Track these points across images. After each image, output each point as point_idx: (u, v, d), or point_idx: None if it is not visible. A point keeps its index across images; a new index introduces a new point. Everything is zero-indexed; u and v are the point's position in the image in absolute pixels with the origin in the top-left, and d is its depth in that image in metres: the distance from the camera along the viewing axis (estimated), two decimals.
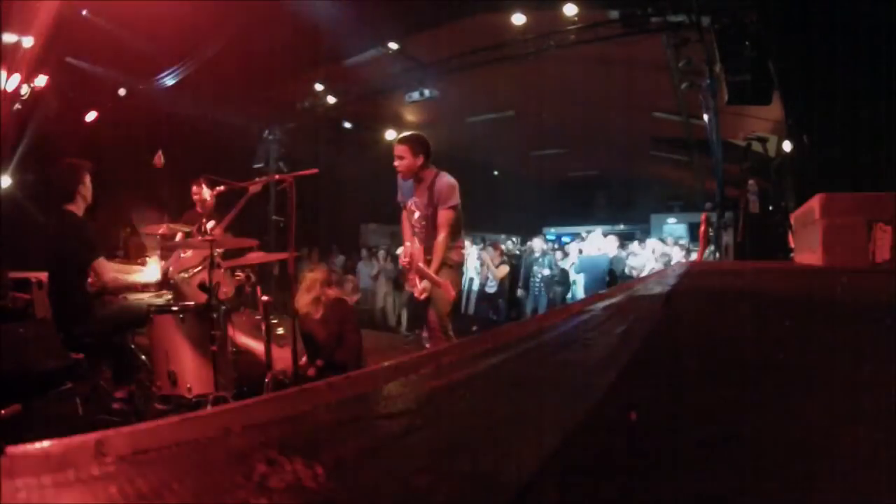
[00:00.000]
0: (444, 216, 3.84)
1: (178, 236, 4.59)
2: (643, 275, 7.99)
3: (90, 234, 3.65)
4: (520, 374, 0.97)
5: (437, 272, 3.82)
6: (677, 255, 9.14)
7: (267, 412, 0.77)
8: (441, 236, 3.85)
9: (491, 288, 8.92)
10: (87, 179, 3.76)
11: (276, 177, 3.86)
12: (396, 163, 3.90)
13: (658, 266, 8.60)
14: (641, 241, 11.25)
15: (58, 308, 3.73)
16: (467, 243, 8.91)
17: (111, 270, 3.71)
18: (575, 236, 12.09)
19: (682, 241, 11.13)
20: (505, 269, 9.07)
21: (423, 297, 3.88)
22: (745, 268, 4.12)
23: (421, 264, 3.89)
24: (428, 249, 3.92)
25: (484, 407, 0.74)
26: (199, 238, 4.24)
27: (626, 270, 8.44)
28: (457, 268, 4.03)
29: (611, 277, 8.11)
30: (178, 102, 8.47)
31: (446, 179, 3.91)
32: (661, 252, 8.83)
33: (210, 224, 4.64)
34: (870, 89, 4.61)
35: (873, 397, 0.76)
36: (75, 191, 3.69)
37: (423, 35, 8.78)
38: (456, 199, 3.90)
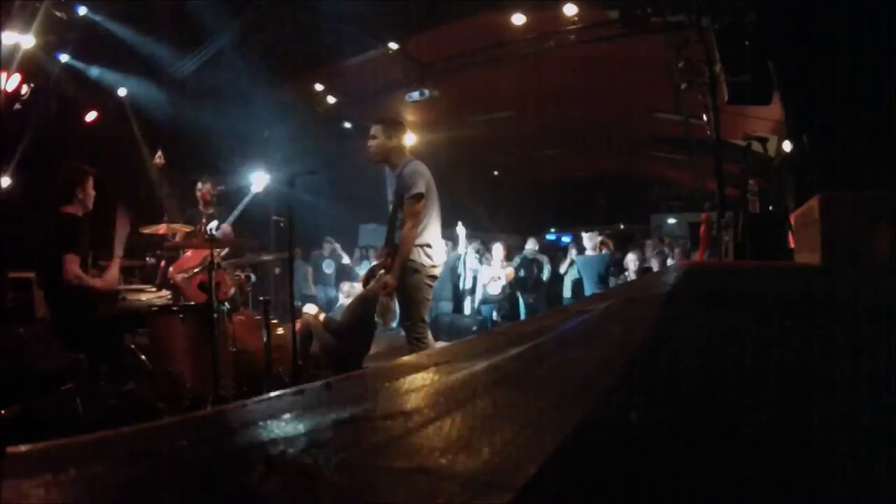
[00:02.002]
0: (407, 206, 3.50)
1: (179, 235, 4.60)
2: (640, 275, 8.00)
3: (82, 234, 3.64)
4: (520, 374, 0.97)
5: (400, 273, 3.49)
6: (676, 255, 9.14)
7: (267, 412, 0.77)
8: (404, 229, 3.49)
9: (494, 289, 8.88)
10: (89, 185, 3.75)
11: (267, 176, 3.85)
12: (369, 142, 3.66)
13: (656, 266, 8.61)
14: (640, 241, 11.25)
15: (55, 307, 3.73)
16: (462, 243, 8.90)
17: (78, 270, 3.55)
18: (575, 237, 12.09)
19: (681, 241, 11.14)
20: (511, 271, 9.04)
21: (384, 294, 3.61)
22: (745, 268, 4.12)
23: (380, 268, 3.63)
24: (392, 243, 3.63)
25: (484, 407, 0.74)
26: (199, 238, 4.25)
27: (625, 271, 8.44)
28: (423, 271, 3.55)
29: (609, 278, 8.12)
30: (179, 102, 8.46)
31: (412, 166, 3.59)
32: (659, 252, 8.84)
33: (213, 223, 4.65)
34: (870, 89, 4.60)
35: (873, 397, 0.76)
36: (73, 193, 3.69)
37: (423, 35, 8.78)
38: (420, 188, 3.50)
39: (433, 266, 3.62)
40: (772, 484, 0.52)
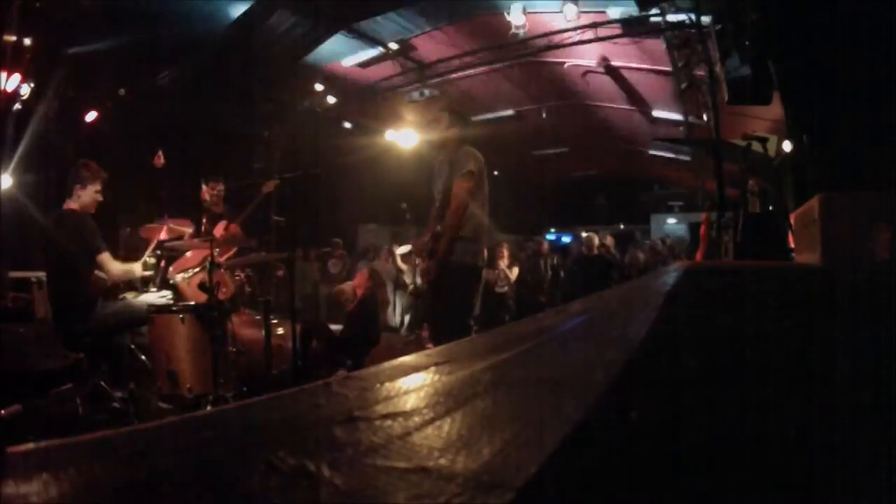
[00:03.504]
0: (457, 186, 3.32)
1: (188, 235, 4.59)
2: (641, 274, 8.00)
3: (90, 230, 3.65)
4: (520, 374, 0.97)
5: (445, 262, 3.27)
6: (676, 255, 9.15)
7: (267, 412, 0.77)
8: (450, 209, 3.30)
9: (501, 288, 8.88)
10: (93, 187, 3.77)
11: (278, 177, 3.85)
12: (433, 126, 3.67)
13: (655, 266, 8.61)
14: (640, 242, 11.26)
15: (58, 307, 3.74)
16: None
17: (117, 264, 3.70)
18: (575, 237, 12.10)
19: (681, 242, 11.14)
20: (516, 271, 9.05)
21: (426, 279, 3.42)
22: (745, 268, 4.12)
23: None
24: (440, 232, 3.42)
25: (484, 407, 0.74)
26: (199, 238, 4.25)
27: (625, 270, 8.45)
28: (470, 272, 3.34)
29: (610, 277, 8.12)
30: (178, 102, 8.47)
31: (467, 149, 3.49)
32: (658, 252, 8.85)
33: (222, 223, 4.65)
34: (870, 89, 4.60)
35: (873, 397, 0.76)
36: (74, 189, 3.70)
37: (423, 35, 8.78)
38: (472, 166, 3.34)
39: (475, 265, 3.44)
40: (772, 484, 0.52)
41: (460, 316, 3.37)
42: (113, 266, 3.68)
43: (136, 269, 3.90)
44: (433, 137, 3.69)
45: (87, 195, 3.73)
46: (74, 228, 3.62)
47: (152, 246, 4.09)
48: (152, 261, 4.25)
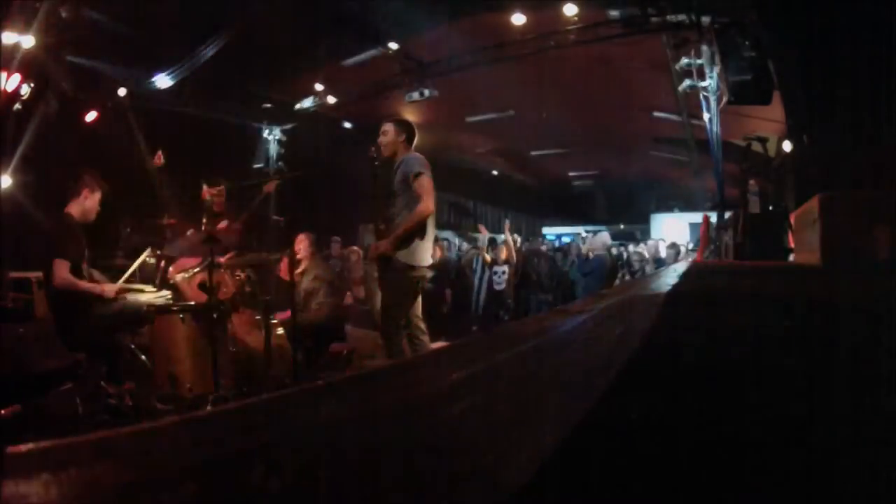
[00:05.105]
0: (418, 184, 3.54)
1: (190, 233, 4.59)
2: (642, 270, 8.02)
3: (69, 236, 3.65)
4: (520, 374, 0.97)
5: (393, 249, 3.49)
6: (675, 255, 9.14)
7: (267, 412, 0.77)
8: (420, 205, 3.51)
9: (499, 285, 8.83)
10: (95, 196, 3.77)
11: (277, 177, 3.85)
12: (380, 138, 3.80)
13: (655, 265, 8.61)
14: (641, 241, 11.25)
15: (57, 307, 3.74)
16: (457, 241, 8.90)
17: (67, 276, 3.54)
18: (575, 236, 12.09)
19: (681, 241, 11.14)
20: (512, 240, 8.99)
21: (373, 255, 3.64)
22: (745, 268, 4.12)
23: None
24: (392, 229, 3.65)
25: (484, 407, 0.74)
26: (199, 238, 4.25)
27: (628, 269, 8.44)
28: (406, 271, 3.53)
29: (613, 276, 8.13)
30: (179, 102, 8.46)
31: (414, 155, 3.73)
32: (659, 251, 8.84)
33: (223, 223, 4.65)
34: (870, 89, 4.60)
35: (873, 397, 0.76)
36: (74, 196, 3.72)
37: (423, 35, 8.78)
38: (423, 168, 3.58)
39: (412, 266, 3.58)
40: (771, 483, 0.52)
41: (392, 312, 3.57)
42: (62, 276, 3.49)
43: (107, 289, 3.73)
44: (385, 149, 3.78)
45: (86, 204, 3.75)
46: (70, 230, 3.63)
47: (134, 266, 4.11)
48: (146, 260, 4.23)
